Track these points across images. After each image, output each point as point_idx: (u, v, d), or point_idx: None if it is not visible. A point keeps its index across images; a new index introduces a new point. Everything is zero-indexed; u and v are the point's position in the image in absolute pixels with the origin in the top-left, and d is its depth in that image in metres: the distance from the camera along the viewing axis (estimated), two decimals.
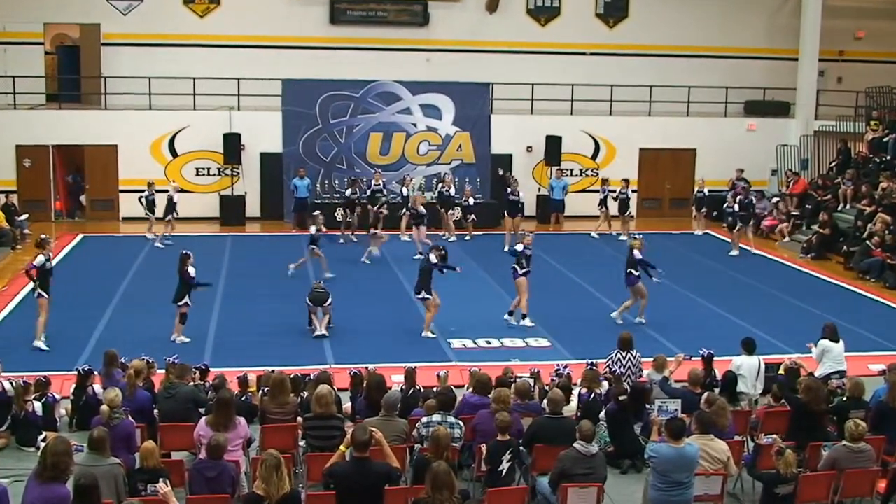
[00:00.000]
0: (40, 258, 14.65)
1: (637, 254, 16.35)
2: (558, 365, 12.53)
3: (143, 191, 22.90)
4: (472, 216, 24.00)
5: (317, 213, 20.04)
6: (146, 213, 22.87)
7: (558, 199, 24.98)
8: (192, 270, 15.00)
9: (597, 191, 25.37)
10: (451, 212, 24.15)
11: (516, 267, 16.26)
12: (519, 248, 16.40)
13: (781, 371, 12.07)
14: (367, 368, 11.85)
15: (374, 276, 19.95)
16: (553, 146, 26.52)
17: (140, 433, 9.72)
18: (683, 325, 16.55)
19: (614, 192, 24.39)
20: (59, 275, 19.24)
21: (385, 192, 23.30)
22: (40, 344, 14.51)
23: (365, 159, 25.89)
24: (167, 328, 15.40)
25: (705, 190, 25.10)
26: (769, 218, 25.68)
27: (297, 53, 26.93)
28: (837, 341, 12.84)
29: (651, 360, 12.14)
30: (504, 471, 9.10)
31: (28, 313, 15.95)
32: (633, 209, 25.37)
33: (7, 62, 25.01)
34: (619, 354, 12.38)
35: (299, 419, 10.16)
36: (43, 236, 15.53)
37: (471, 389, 10.69)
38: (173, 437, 10.09)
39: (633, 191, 25.82)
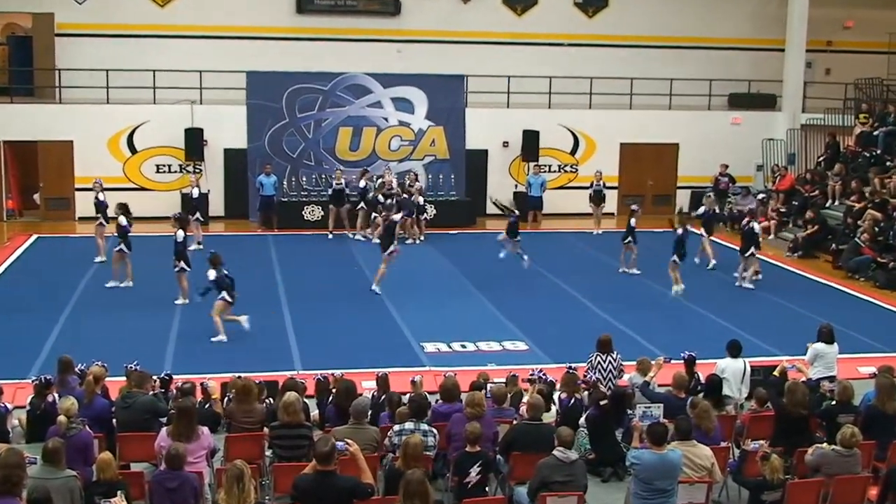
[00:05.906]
0: (213, 272, 15.27)
1: None
2: (532, 370, 12.28)
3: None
4: (426, 216, 23.80)
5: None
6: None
7: (536, 196, 25.20)
8: None
9: (576, 187, 25.12)
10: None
11: None
12: None
13: (776, 373, 11.86)
14: (333, 374, 11.71)
15: (344, 277, 19.55)
16: (530, 141, 26.35)
17: (98, 443, 9.49)
18: (667, 327, 16.38)
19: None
20: (12, 277, 19.54)
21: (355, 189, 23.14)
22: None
23: (334, 155, 25.48)
24: (126, 333, 15.27)
25: (633, 221, 21.22)
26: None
27: (263, 44, 26.67)
28: (832, 344, 12.61)
29: (634, 363, 11.90)
30: (471, 483, 8.89)
31: None
32: (607, 203, 25.15)
33: None
34: (598, 357, 12.15)
35: (266, 428, 10.01)
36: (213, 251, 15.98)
37: (438, 399, 10.57)
38: (132, 447, 9.94)
39: (609, 187, 25.56)
